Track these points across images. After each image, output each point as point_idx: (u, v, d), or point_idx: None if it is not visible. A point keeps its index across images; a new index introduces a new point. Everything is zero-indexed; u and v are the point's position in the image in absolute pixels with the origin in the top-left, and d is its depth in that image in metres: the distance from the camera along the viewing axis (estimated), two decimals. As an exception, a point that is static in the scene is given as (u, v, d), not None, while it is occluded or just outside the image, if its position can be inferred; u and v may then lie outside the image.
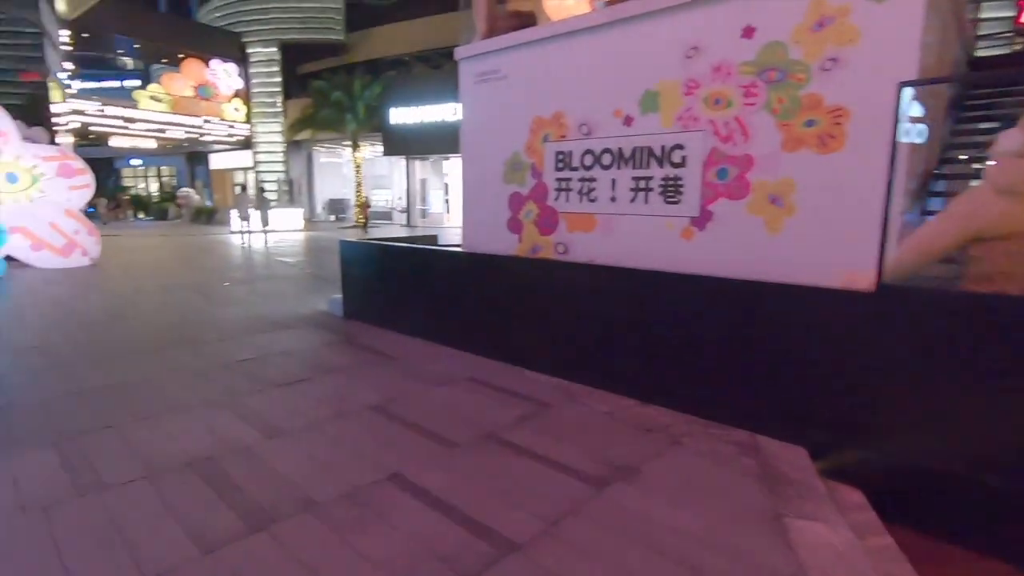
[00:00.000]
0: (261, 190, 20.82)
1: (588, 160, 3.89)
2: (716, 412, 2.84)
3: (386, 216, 27.62)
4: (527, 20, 4.52)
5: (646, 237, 3.57)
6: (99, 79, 26.21)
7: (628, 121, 3.64)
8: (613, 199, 3.76)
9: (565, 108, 4.00)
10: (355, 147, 22.90)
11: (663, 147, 3.47)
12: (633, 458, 2.36)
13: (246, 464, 2.37)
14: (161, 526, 1.91)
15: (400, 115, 21.97)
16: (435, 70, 23.91)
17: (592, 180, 3.88)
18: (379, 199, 29.74)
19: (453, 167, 24.99)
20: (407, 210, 25.45)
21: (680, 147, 3.39)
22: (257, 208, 16.12)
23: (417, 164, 24.22)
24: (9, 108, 10.41)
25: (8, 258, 8.43)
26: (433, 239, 6.07)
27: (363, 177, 23.71)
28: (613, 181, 3.75)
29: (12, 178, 8.30)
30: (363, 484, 2.18)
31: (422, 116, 21.60)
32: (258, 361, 3.96)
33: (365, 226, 21.08)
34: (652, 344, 3.19)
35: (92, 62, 25.85)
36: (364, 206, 21.65)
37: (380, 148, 25.06)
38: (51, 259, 8.86)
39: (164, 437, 2.66)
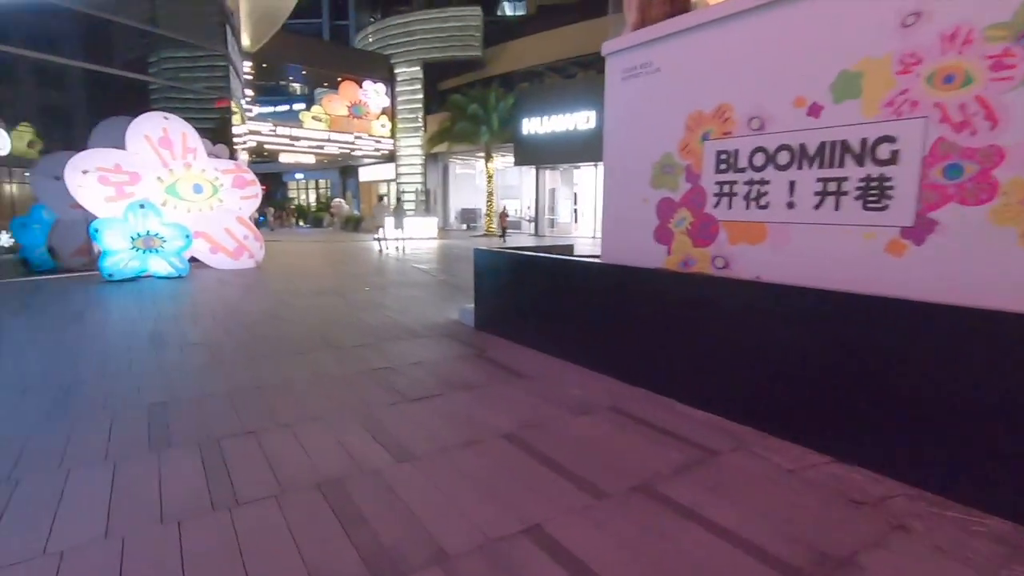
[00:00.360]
0: (398, 200, 22.18)
1: (759, 160, 3.30)
2: (954, 487, 2.14)
3: (515, 225, 28.03)
4: (684, 6, 4.02)
5: (835, 251, 2.91)
6: (274, 104, 29.84)
7: (814, 111, 3.01)
8: (791, 205, 3.14)
9: (731, 100, 3.46)
10: (488, 158, 23.55)
11: (864, 140, 2.81)
12: (844, 543, 1.79)
13: (374, 492, 2.18)
14: (284, 559, 1.75)
15: (532, 125, 22.15)
16: (567, 80, 23.86)
17: (763, 183, 3.29)
18: (508, 208, 30.36)
19: (582, 176, 24.71)
20: (535, 219, 25.60)
21: (889, 139, 2.71)
22: (393, 217, 17.02)
23: (547, 173, 24.26)
24: (203, 130, 11.97)
25: (192, 259, 9.57)
26: (569, 249, 5.74)
27: (495, 187, 24.27)
28: (791, 184, 3.14)
29: (198, 188, 9.45)
30: (497, 536, 1.87)
31: (553, 126, 21.59)
32: (392, 371, 3.89)
33: (503, 235, 21.18)
34: (849, 386, 2.54)
35: (268, 90, 29.51)
36: (502, 216, 21.86)
37: (511, 159, 25.56)
38: (225, 261, 9.95)
39: (298, 450, 2.58)
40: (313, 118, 28.38)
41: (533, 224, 26.01)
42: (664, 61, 3.90)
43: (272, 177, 45.54)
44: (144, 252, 8.41)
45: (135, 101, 11.80)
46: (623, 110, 4.28)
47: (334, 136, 28.72)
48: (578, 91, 21.27)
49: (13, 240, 10.82)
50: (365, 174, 35.47)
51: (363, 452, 2.55)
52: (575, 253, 5.56)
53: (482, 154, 27.50)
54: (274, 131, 27.37)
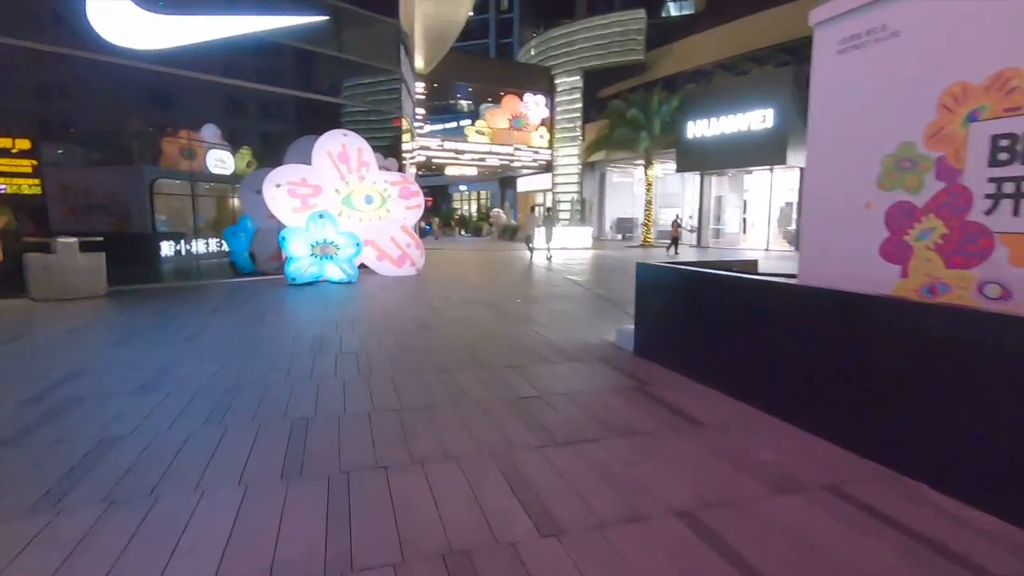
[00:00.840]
0: (548, 209, 22.15)
1: (1076, 143, 2.26)
2: None
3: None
4: (937, -53, 3.02)
5: None
6: (443, 121, 31.84)
7: None
8: None
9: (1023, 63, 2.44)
10: (648, 164, 22.43)
11: None
12: None
13: (508, 577, 1.70)
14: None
15: (697, 128, 20.64)
16: (739, 77, 21.81)
17: (1084, 178, 2.24)
18: (667, 218, 28.79)
19: (754, 182, 22.41)
20: (697, 229, 23.84)
21: None
22: (544, 227, 16.93)
23: (713, 180, 22.44)
24: (378, 147, 12.88)
25: (361, 266, 10.21)
26: (752, 265, 4.84)
27: (654, 195, 23.06)
28: None
29: (369, 199, 10.07)
30: None
31: (722, 128, 19.87)
32: (540, 402, 3.43)
33: (675, 248, 19.13)
34: None
35: (438, 109, 31.52)
36: (675, 225, 19.75)
37: (672, 166, 24.15)
38: (389, 268, 10.46)
39: (428, 499, 2.22)
40: (476, 132, 29.70)
41: (695, 234, 24.25)
42: (906, 21, 2.94)
43: (438, 189, 48.96)
44: (321, 259, 9.11)
45: (327, 122, 13.05)
46: (839, 91, 3.36)
47: (495, 148, 29.77)
48: (752, 88, 19.35)
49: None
50: (523, 184, 36.29)
51: (501, 513, 2.10)
52: (759, 270, 4.64)
53: (641, 161, 26.39)
54: (441, 146, 29.18)
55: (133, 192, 14.42)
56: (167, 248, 14.60)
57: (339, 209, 9.77)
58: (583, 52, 29.31)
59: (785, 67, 19.09)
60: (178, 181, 15.88)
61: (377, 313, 6.80)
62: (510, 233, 28.42)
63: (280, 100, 13.63)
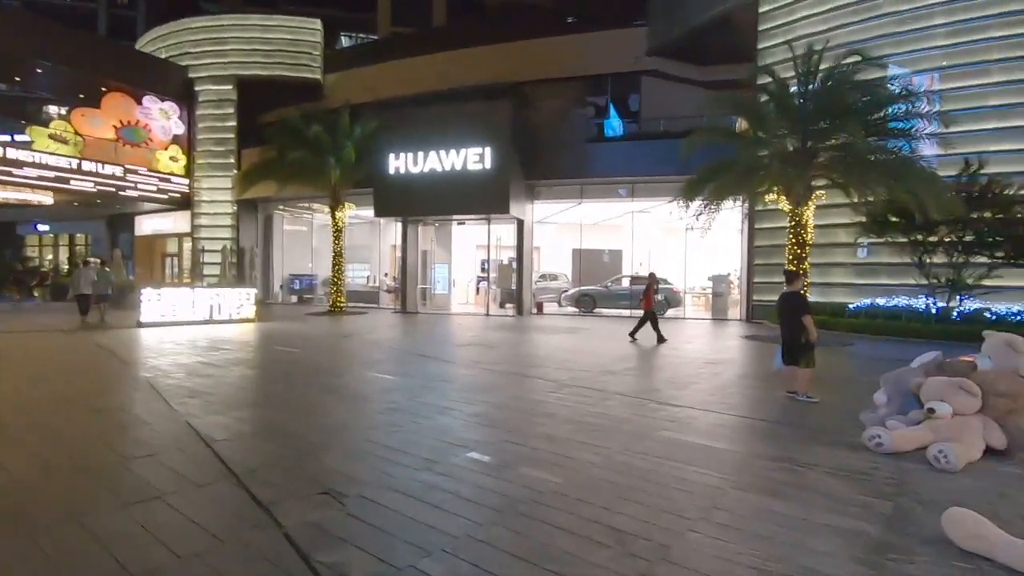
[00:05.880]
0: (102, 262, 14.97)
1: None
2: None
3: (368, 297, 20.96)
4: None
5: None
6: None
7: None
8: None
9: None
10: (336, 204, 16.50)
11: None
12: None
13: None
14: None
15: (401, 163, 16.02)
16: (452, 107, 18.03)
17: None
18: (357, 275, 23.17)
19: (465, 234, 19.03)
20: (398, 289, 19.06)
21: None
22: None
23: (419, 230, 18.03)
24: None
25: None
26: None
27: (344, 246, 17.13)
28: None
29: None
30: None
31: (432, 164, 15.72)
32: None
33: (654, 327, 10.64)
34: None
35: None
36: (650, 288, 10.89)
37: (362, 211, 18.99)
38: None
39: None
40: (50, 137, 18.74)
41: (396, 295, 19.41)
42: None
43: (2, 227, 32.00)
44: None
45: None
46: None
47: (87, 166, 19.24)
48: (467, 122, 15.90)
49: None
50: (147, 225, 25.57)
51: None
52: None
53: (319, 205, 20.29)
54: (-30, 149, 17.28)
55: None
56: None
57: None
58: (238, 56, 21.99)
59: (502, 101, 16.25)
60: None
61: None
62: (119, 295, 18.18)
63: None
